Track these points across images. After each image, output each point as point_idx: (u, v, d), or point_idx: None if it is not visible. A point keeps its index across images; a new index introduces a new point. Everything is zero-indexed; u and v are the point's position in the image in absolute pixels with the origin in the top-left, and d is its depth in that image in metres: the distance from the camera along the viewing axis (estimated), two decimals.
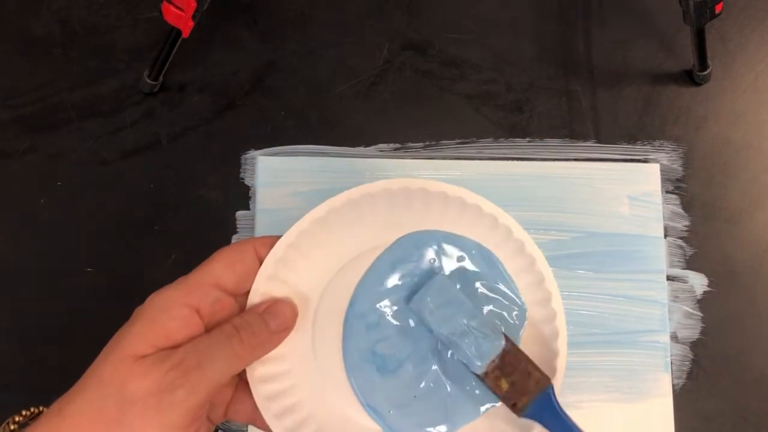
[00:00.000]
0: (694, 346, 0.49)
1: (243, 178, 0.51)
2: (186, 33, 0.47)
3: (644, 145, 0.52)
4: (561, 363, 0.34)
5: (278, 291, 0.32)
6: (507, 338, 0.34)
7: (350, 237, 0.34)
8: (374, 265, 0.34)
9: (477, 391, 0.34)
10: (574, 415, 0.47)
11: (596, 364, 0.48)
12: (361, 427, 0.33)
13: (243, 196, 0.50)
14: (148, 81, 0.51)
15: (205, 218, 0.50)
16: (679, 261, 0.50)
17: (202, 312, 0.30)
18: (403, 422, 0.33)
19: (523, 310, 0.35)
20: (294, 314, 0.32)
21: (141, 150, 0.51)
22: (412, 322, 0.34)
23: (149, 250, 0.49)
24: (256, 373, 0.31)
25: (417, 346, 0.33)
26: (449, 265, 0.35)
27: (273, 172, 0.50)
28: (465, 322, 0.33)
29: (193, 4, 0.45)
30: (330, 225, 0.33)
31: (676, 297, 0.50)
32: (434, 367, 0.34)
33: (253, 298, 0.32)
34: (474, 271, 0.34)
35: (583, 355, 0.48)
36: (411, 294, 0.34)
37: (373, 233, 0.34)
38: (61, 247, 0.50)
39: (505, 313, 0.34)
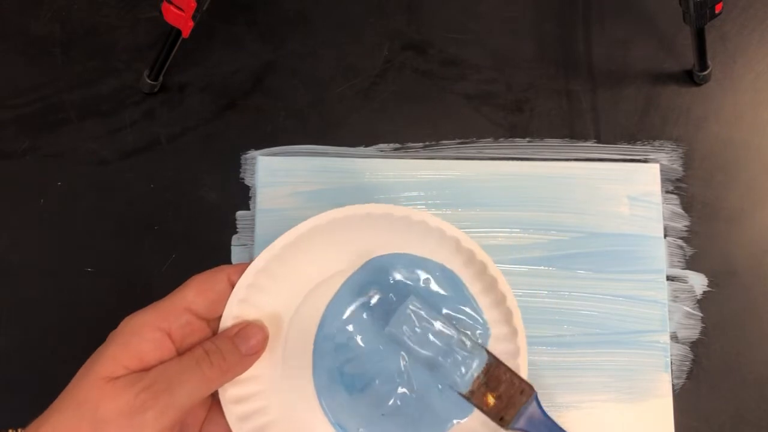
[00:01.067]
0: (694, 346, 0.49)
1: (243, 178, 0.51)
2: (186, 33, 0.47)
3: (644, 145, 0.52)
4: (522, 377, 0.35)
5: (250, 314, 0.33)
6: (488, 351, 0.34)
7: (320, 261, 0.35)
8: (342, 287, 0.35)
9: (443, 408, 0.34)
10: (574, 415, 0.48)
11: (596, 364, 0.48)
12: None
13: (243, 196, 0.50)
14: (148, 81, 0.51)
15: (205, 218, 0.50)
16: (679, 261, 0.50)
17: (173, 335, 0.31)
18: None
19: (486, 329, 0.35)
20: (264, 337, 0.33)
21: (141, 150, 0.51)
22: (379, 344, 0.35)
23: (149, 250, 0.49)
24: (228, 394, 0.32)
25: (384, 366, 0.34)
26: (414, 287, 0.35)
27: (273, 172, 0.50)
28: (444, 341, 0.33)
29: (193, 5, 0.45)
30: (299, 250, 0.34)
31: (676, 297, 0.50)
32: (401, 385, 0.34)
33: (225, 322, 0.32)
34: (438, 292, 0.35)
35: (583, 355, 0.48)
36: (379, 315, 0.35)
37: (341, 257, 0.35)
38: (61, 247, 0.50)
39: (468, 332, 0.35)
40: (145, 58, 0.52)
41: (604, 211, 0.50)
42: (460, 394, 0.34)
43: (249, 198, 0.50)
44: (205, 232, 0.50)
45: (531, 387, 0.34)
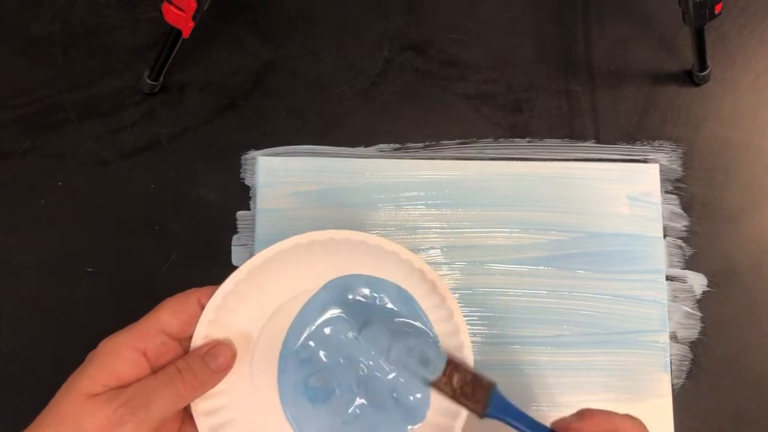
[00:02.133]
0: (694, 346, 0.49)
1: (243, 178, 0.51)
2: (186, 33, 0.47)
3: (644, 145, 0.52)
4: None
5: (219, 334, 0.35)
6: (443, 348, 0.36)
7: (284, 282, 0.37)
8: (305, 306, 0.38)
9: (397, 416, 0.37)
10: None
11: (596, 364, 0.48)
12: None
13: (243, 196, 0.50)
14: (149, 81, 0.51)
15: (205, 218, 0.50)
16: (678, 261, 0.50)
17: (148, 355, 0.33)
18: None
19: (435, 342, 0.38)
20: (233, 355, 0.35)
21: (141, 150, 0.51)
22: (340, 357, 0.38)
23: (149, 250, 0.49)
24: (200, 407, 0.34)
25: (344, 378, 0.37)
26: (371, 305, 0.39)
27: (273, 172, 0.50)
28: (405, 344, 0.36)
29: (193, 5, 0.45)
30: (266, 272, 0.36)
31: (676, 297, 0.50)
32: (359, 395, 0.37)
33: (196, 341, 0.35)
34: (393, 309, 0.39)
35: (583, 355, 0.48)
36: (339, 331, 0.38)
37: (305, 278, 0.38)
38: (61, 247, 0.50)
39: (423, 347, 0.37)
40: (146, 58, 0.52)
41: (604, 211, 0.51)
42: (435, 386, 0.35)
43: (249, 198, 0.50)
44: (205, 232, 0.50)
45: (491, 380, 0.35)
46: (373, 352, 0.38)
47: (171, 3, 0.45)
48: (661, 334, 0.49)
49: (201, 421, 0.34)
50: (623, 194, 0.51)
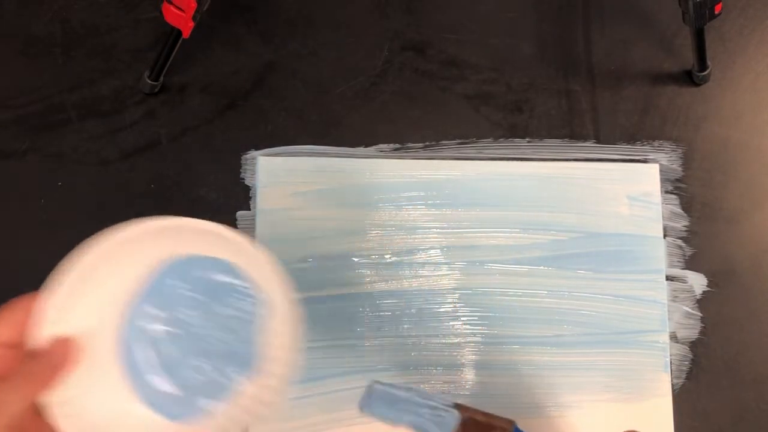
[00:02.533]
0: (694, 346, 0.49)
1: (243, 178, 0.51)
2: (186, 33, 0.47)
3: (644, 145, 0.52)
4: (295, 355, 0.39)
5: (56, 331, 0.36)
6: (459, 407, 0.37)
7: (118, 270, 0.39)
8: (144, 289, 0.40)
9: (238, 370, 0.40)
10: (575, 414, 0.48)
11: (596, 364, 0.48)
12: (150, 421, 0.40)
13: (243, 196, 0.50)
14: (149, 81, 0.51)
15: (205, 218, 0.50)
16: (678, 261, 0.50)
17: None
18: (181, 410, 0.40)
19: (266, 303, 0.40)
20: (73, 349, 0.36)
21: (141, 150, 0.51)
22: (181, 331, 0.40)
23: None
24: (52, 400, 0.36)
25: (183, 353, 0.40)
26: (207, 279, 0.41)
27: (273, 172, 0.50)
28: (416, 408, 0.38)
29: (194, 5, 0.45)
30: (98, 263, 0.37)
31: (676, 297, 0.50)
32: (202, 361, 0.40)
33: (35, 342, 0.35)
34: (225, 281, 0.41)
35: (583, 355, 0.48)
36: (174, 305, 0.40)
37: (140, 264, 0.40)
38: (61, 247, 0.49)
39: (253, 310, 0.41)
40: (146, 58, 0.52)
41: (604, 211, 0.51)
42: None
43: (249, 198, 0.50)
44: None
45: (509, 421, 0.36)
46: (211, 323, 0.40)
47: (171, 3, 0.45)
48: (661, 334, 0.49)
49: (53, 413, 0.35)
50: (623, 194, 0.51)
